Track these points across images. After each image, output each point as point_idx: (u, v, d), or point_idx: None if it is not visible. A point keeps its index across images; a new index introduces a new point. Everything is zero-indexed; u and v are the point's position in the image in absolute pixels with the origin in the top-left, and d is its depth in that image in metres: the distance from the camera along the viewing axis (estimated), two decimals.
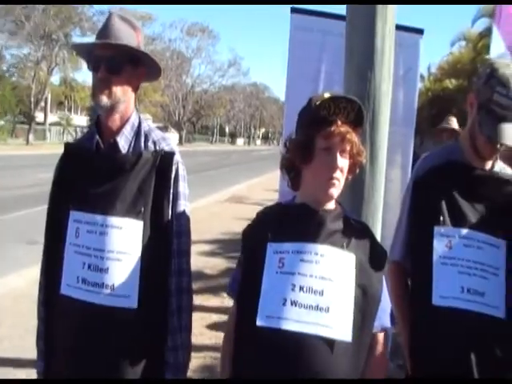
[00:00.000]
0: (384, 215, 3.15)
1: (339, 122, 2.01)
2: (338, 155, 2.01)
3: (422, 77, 33.15)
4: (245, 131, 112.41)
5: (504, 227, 2.37)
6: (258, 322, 1.94)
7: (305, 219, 2.05)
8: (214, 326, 5.94)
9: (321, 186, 2.04)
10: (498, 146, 2.38)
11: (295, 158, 2.08)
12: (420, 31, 4.63)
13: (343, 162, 2.04)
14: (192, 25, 69.33)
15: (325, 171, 2.02)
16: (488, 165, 2.48)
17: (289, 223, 2.07)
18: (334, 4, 4.29)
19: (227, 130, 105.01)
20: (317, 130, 2.01)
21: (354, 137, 2.04)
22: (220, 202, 17.05)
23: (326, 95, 2.02)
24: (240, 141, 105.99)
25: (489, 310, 2.30)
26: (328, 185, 2.03)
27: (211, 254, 9.81)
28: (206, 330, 5.86)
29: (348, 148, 2.04)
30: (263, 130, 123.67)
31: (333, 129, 2.00)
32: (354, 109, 2.03)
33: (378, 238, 3.01)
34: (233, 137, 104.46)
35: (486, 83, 2.35)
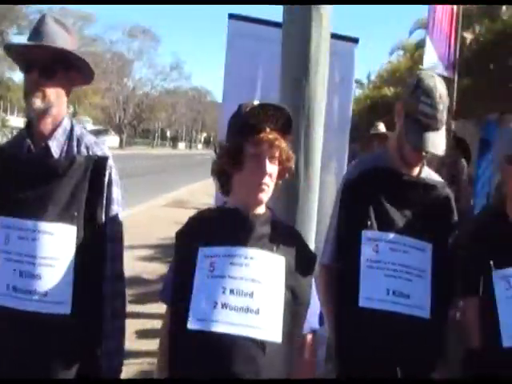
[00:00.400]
0: (319, 220, 3.21)
1: (268, 129, 2.07)
2: (267, 161, 2.06)
3: (361, 84, 33.67)
4: (186, 135, 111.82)
5: (430, 231, 2.46)
6: (189, 325, 1.97)
7: (235, 223, 2.09)
8: (152, 332, 5.88)
9: (250, 191, 2.09)
10: (424, 153, 2.47)
11: (225, 163, 2.12)
12: (355, 40, 4.72)
13: (272, 168, 2.09)
14: (134, 27, 68.54)
15: (254, 177, 2.07)
16: (415, 171, 2.56)
17: (219, 227, 2.10)
18: (271, 4, 4.33)
19: (169, 134, 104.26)
20: (246, 136, 2.07)
21: (282, 143, 2.09)
22: (160, 206, 16.92)
23: (256, 102, 2.09)
24: (182, 145, 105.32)
25: (414, 311, 2.38)
26: (257, 190, 2.07)
27: (150, 258, 9.72)
28: (143, 336, 5.81)
29: (277, 154, 2.09)
30: (205, 134, 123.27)
31: (261, 135, 2.05)
32: (283, 116, 2.10)
33: (313, 242, 3.08)
34: (174, 141, 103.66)
35: (412, 93, 2.45)
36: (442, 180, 2.67)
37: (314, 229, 3.16)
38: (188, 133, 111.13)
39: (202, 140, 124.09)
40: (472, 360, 2.39)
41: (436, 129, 2.42)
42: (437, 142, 2.42)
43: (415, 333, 2.37)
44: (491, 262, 2.33)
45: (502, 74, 10.57)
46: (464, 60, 10.74)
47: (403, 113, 2.48)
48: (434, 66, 5.96)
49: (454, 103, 5.75)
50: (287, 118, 2.11)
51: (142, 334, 5.82)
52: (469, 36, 11.62)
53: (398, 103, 2.57)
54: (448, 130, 5.46)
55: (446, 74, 6.00)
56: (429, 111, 2.39)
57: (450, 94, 5.65)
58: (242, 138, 2.08)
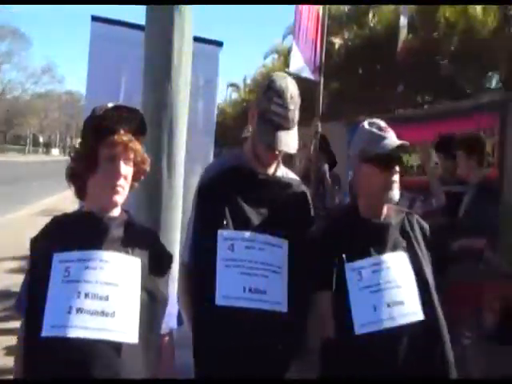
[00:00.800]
0: (183, 223, 3.20)
1: (122, 131, 2.08)
2: (122, 163, 2.08)
3: (238, 87, 34.13)
4: (60, 141, 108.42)
5: (286, 228, 2.52)
6: (43, 333, 1.92)
7: (90, 227, 2.07)
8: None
9: (105, 194, 2.09)
10: (277, 152, 2.53)
11: (80, 166, 2.10)
12: (219, 43, 4.77)
13: (127, 170, 2.10)
14: (1, 26, 65.40)
15: (109, 179, 2.07)
16: (271, 170, 2.62)
17: (74, 232, 2.07)
18: (134, 4, 4.29)
19: (42, 139, 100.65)
20: (100, 138, 2.06)
21: (136, 145, 2.11)
22: (31, 215, 16.28)
23: (109, 105, 2.09)
24: (55, 151, 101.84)
25: (271, 306, 2.43)
26: (112, 192, 2.07)
27: (20, 271, 9.30)
28: (13, 353, 5.56)
29: (131, 156, 2.11)
30: (80, 139, 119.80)
31: (116, 137, 2.06)
32: (137, 118, 2.12)
33: (178, 244, 3.07)
34: (48, 147, 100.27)
35: (264, 94, 2.50)
36: (298, 178, 2.74)
37: (179, 231, 3.15)
38: (62, 139, 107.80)
39: (78, 145, 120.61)
40: (328, 349, 2.48)
41: (288, 128, 2.48)
42: (289, 141, 2.49)
43: (274, 327, 2.42)
44: (343, 256, 2.44)
45: (370, 77, 11.04)
46: (333, 64, 11.13)
47: (257, 113, 2.52)
48: (300, 70, 6.08)
49: (321, 106, 5.90)
50: (141, 120, 2.14)
51: (12, 351, 5.58)
52: (338, 41, 12.01)
53: (251, 104, 2.62)
54: (315, 132, 5.65)
55: (312, 77, 6.14)
56: (280, 111, 2.46)
57: (316, 97, 5.84)
58: (96, 141, 2.07)
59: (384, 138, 2.49)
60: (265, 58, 25.16)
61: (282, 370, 2.45)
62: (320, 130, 5.64)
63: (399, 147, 2.48)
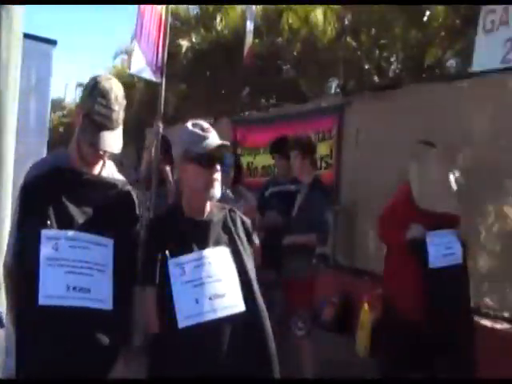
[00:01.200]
0: None
1: None
2: None
3: None
4: None
5: (111, 227, 2.56)
6: None
7: None
8: None
9: None
10: (101, 152, 2.56)
11: None
12: (52, 42, 4.68)
13: None
14: None
15: None
16: (96, 170, 2.64)
17: None
18: None
19: None
20: None
21: None
22: None
23: None
24: None
25: (95, 304, 2.45)
26: None
27: None
28: None
29: None
30: None
31: None
32: None
33: (3, 246, 2.99)
34: None
35: (89, 95, 2.52)
36: (124, 178, 2.77)
37: (7, 233, 3.07)
38: None
39: None
40: (154, 345, 2.55)
41: (111, 128, 2.52)
42: (112, 142, 2.53)
43: (98, 325, 2.44)
44: (167, 252, 2.53)
45: (217, 80, 11.22)
46: (181, 67, 11.19)
47: (81, 113, 2.54)
48: (141, 71, 6.09)
49: (162, 107, 5.91)
50: None
51: None
52: (185, 44, 12.06)
53: (76, 104, 2.63)
54: (156, 134, 5.67)
55: (153, 78, 6.15)
56: (104, 111, 2.49)
57: (158, 99, 5.86)
58: None
59: (206, 138, 2.60)
60: (114, 58, 24.74)
61: (107, 369, 2.47)
62: (162, 131, 5.67)
63: (220, 147, 2.61)
